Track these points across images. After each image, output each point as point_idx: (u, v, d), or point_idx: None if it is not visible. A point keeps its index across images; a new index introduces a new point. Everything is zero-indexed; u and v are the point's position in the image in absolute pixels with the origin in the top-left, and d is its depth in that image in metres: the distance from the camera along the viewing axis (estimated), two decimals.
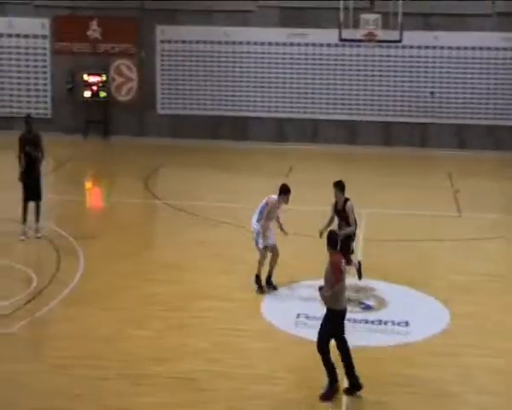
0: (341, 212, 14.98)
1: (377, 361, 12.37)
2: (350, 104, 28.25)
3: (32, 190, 17.76)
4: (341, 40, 25.52)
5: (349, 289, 15.11)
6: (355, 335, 12.86)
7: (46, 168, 20.77)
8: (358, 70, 28.16)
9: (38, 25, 28.88)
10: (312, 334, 11.77)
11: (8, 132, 27.51)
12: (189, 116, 28.76)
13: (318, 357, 11.31)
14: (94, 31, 28.75)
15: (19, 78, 29.07)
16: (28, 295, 14.73)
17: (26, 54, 29.01)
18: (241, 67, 28.56)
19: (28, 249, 17.50)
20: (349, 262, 14.63)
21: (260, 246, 15.06)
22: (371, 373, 11.77)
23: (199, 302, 14.68)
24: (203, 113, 28.73)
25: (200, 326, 13.64)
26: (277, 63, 28.41)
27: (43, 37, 28.93)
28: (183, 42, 28.69)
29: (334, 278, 11.26)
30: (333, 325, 11.32)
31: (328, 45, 28.00)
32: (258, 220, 15.01)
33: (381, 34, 24.84)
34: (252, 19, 28.24)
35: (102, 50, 28.85)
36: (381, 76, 28.19)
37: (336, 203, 15.05)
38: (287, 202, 15.14)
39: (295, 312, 14.12)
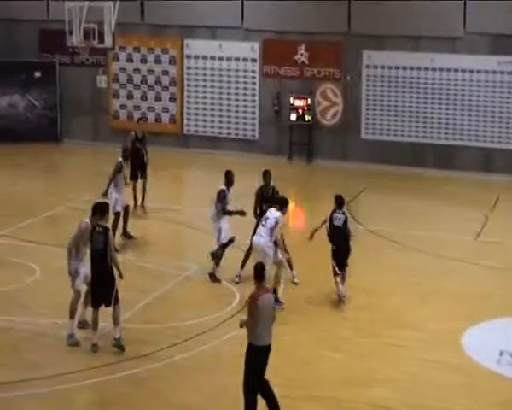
0: None
1: None
2: None
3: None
4: None
5: None
6: None
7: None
8: None
9: (248, 48, 29.68)
10: None
11: (215, 152, 28.64)
12: (392, 142, 28.51)
13: None
14: (301, 55, 29.18)
15: (228, 99, 29.94)
16: (232, 310, 15.24)
17: (236, 76, 29.87)
18: (447, 94, 28.02)
19: (232, 267, 17.86)
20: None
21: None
22: None
23: (393, 330, 14.57)
24: (407, 139, 28.41)
25: (396, 354, 13.51)
26: (486, 91, 27.62)
27: (253, 60, 29.69)
28: (389, 67, 28.53)
29: (248, 311, 11.03)
30: (252, 361, 10.88)
31: None
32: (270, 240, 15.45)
33: None
34: (460, 45, 27.63)
35: (309, 74, 29.23)
36: None
37: None
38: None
39: (498, 348, 13.64)
